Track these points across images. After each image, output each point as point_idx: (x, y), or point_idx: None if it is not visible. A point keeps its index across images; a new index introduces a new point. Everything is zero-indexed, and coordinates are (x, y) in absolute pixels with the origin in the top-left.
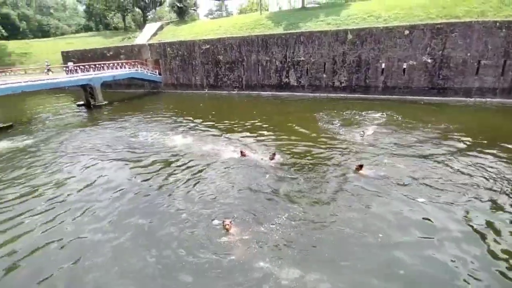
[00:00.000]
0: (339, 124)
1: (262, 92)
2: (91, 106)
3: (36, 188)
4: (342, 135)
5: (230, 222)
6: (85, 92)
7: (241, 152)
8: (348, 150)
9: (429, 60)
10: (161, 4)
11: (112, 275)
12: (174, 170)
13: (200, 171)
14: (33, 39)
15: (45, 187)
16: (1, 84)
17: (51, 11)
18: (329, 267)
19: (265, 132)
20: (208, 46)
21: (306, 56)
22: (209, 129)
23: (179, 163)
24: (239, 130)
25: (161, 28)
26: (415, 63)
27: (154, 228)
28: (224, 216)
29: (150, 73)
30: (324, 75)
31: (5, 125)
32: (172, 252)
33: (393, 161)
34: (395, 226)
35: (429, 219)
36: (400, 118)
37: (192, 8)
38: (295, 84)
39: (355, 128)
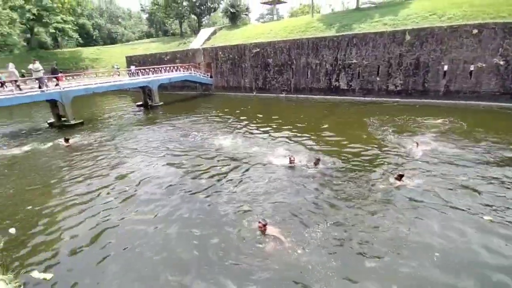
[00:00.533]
0: (391, 130)
1: (310, 96)
2: (148, 106)
3: (99, 179)
4: (394, 143)
5: (264, 225)
6: (144, 94)
7: (290, 159)
8: (399, 158)
9: (501, 62)
10: (215, 10)
11: (158, 264)
12: (221, 170)
13: (246, 171)
14: (103, 46)
15: (106, 179)
16: (77, 86)
17: (119, 20)
18: (376, 283)
19: (312, 136)
20: (258, 50)
21: (359, 58)
22: (256, 131)
23: (226, 163)
24: (286, 133)
25: (214, 33)
26: (484, 65)
27: (197, 223)
28: (263, 217)
29: (203, 76)
30: (377, 78)
31: (77, 122)
32: (212, 246)
33: (452, 172)
34: (452, 244)
35: (495, 240)
36: (464, 126)
37: (244, 13)
38: (345, 87)
39: (409, 135)
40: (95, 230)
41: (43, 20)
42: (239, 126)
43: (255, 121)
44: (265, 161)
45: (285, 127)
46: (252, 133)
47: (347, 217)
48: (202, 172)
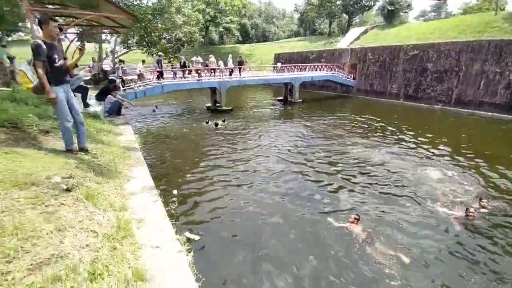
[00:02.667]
0: None
1: (478, 111)
2: (288, 102)
3: (234, 158)
4: None
5: (356, 219)
6: (286, 89)
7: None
8: None
9: None
10: (369, 9)
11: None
12: (351, 173)
13: (383, 186)
14: (256, 43)
15: (239, 161)
16: (232, 78)
17: (274, 20)
18: None
19: (477, 164)
20: (415, 52)
21: None
22: (402, 146)
23: (357, 169)
24: (438, 154)
25: (364, 32)
26: None
27: (305, 218)
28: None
29: (345, 77)
30: None
31: (228, 108)
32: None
33: None
34: None
35: None
36: None
37: (404, 11)
38: None
39: None
40: (234, 202)
41: (216, 21)
42: (377, 133)
43: (400, 134)
44: (401, 178)
45: (437, 146)
46: (391, 144)
47: None
48: (327, 175)
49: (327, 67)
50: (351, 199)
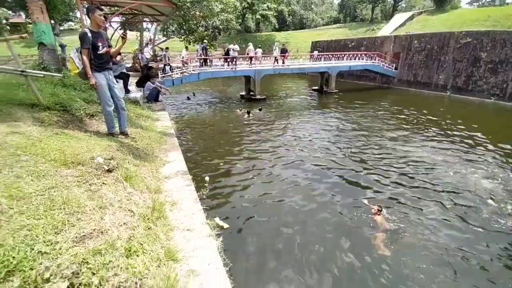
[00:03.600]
0: None
1: None
2: (323, 92)
3: (265, 147)
4: None
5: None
6: (322, 79)
7: None
8: None
9: None
10: None
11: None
12: (389, 168)
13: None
14: (293, 31)
15: (270, 150)
16: (265, 66)
17: (312, 6)
18: None
19: None
20: (469, 40)
21: None
22: (443, 140)
23: (396, 165)
24: (493, 157)
25: (411, 18)
26: None
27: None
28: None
29: (386, 66)
30: None
31: (262, 97)
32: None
33: None
34: None
35: None
36: None
37: None
38: None
39: None
40: (265, 191)
41: (253, 8)
42: (423, 130)
43: (447, 128)
44: (461, 192)
45: (492, 147)
46: (439, 141)
47: None
48: (364, 168)
49: (367, 55)
50: (384, 193)
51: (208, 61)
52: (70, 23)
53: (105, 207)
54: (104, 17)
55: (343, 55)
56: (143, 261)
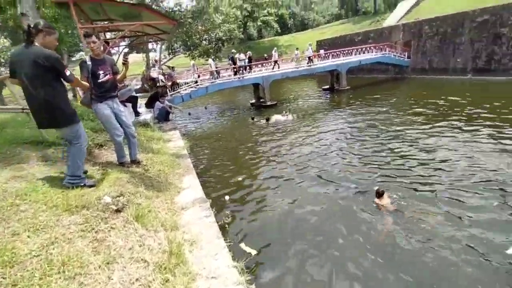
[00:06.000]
0: None
1: None
2: (334, 90)
3: (283, 156)
4: None
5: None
6: (332, 77)
7: None
8: None
9: None
10: None
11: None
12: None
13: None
14: (296, 33)
15: (288, 159)
16: (275, 71)
17: (313, 5)
18: None
19: None
20: (486, 17)
21: None
22: (472, 131)
23: (422, 160)
24: None
25: (416, 4)
26: None
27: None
28: None
29: (398, 56)
30: None
31: (272, 103)
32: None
33: None
34: None
35: None
36: None
37: None
38: None
39: None
40: (291, 207)
41: (254, 15)
42: (446, 123)
43: (472, 118)
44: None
45: None
46: (462, 133)
47: None
48: (376, 167)
49: (377, 47)
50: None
51: (215, 73)
52: (81, 53)
53: (113, 260)
54: (106, 42)
55: (351, 50)
56: None
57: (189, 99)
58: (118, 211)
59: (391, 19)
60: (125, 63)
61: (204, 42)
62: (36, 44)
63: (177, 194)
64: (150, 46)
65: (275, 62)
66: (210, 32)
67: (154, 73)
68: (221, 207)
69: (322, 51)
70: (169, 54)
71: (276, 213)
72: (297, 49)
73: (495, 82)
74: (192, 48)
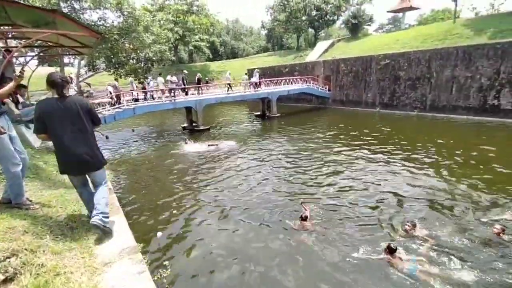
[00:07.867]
0: None
1: (453, 116)
2: (266, 117)
3: (218, 183)
4: None
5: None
6: (263, 104)
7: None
8: None
9: None
10: (334, 23)
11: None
12: (327, 185)
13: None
14: (227, 60)
15: (225, 186)
16: (209, 95)
17: (242, 37)
18: None
19: (457, 172)
20: (387, 61)
21: None
22: (377, 152)
23: (337, 182)
24: (420, 163)
25: (332, 45)
26: None
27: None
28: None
29: (321, 89)
30: None
31: (205, 127)
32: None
33: None
34: None
35: None
36: None
37: (367, 24)
38: (510, 107)
39: None
40: (231, 242)
41: (185, 39)
42: (359, 146)
43: (378, 141)
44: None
45: (419, 155)
46: (370, 154)
47: None
48: (302, 184)
49: (302, 79)
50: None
51: (144, 94)
52: None
53: None
54: (8, 50)
55: (280, 80)
56: None
57: (112, 121)
58: (8, 280)
59: (312, 55)
60: (20, 76)
61: (132, 61)
62: None
63: (98, 242)
64: (66, 59)
65: (229, 85)
66: (139, 52)
67: (70, 91)
68: (155, 248)
69: (255, 79)
70: (89, 70)
71: (215, 250)
72: (229, 73)
73: (397, 115)
74: (117, 66)
